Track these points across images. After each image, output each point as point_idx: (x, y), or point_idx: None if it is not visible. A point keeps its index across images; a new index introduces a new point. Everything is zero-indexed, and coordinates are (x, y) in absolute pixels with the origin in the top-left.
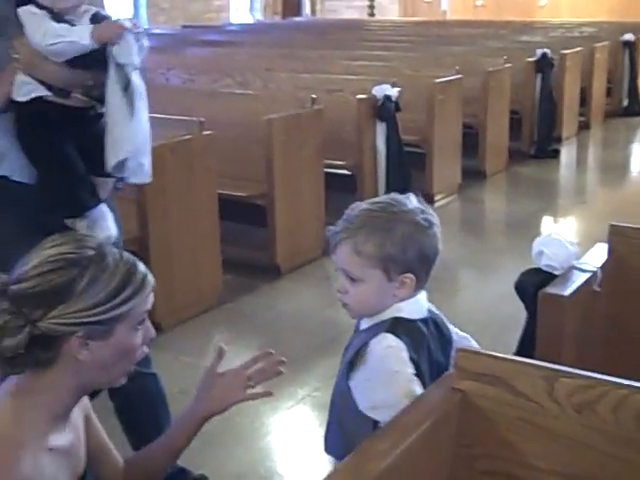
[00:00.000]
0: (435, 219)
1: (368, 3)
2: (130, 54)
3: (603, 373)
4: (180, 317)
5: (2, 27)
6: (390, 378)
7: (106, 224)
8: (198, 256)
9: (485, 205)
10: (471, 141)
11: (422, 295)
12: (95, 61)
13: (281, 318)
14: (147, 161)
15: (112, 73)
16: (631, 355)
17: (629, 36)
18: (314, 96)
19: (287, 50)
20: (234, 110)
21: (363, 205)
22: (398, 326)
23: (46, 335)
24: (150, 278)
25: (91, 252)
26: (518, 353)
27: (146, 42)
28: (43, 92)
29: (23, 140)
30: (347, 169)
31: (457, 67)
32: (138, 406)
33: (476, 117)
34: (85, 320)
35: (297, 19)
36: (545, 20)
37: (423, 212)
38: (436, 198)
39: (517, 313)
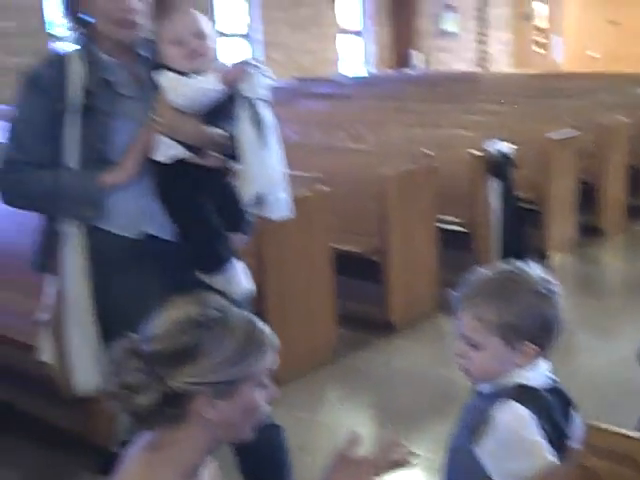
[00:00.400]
0: (557, 288)
1: (479, 55)
2: (256, 87)
3: None
4: (294, 371)
5: (140, 91)
6: (526, 448)
7: (241, 279)
8: (313, 310)
9: (602, 264)
10: (587, 197)
11: (545, 363)
12: (229, 118)
13: (395, 375)
14: (285, 195)
15: (241, 109)
16: None
17: None
18: (428, 152)
19: (400, 103)
20: (348, 165)
21: (485, 271)
22: (523, 394)
23: (176, 393)
24: (273, 338)
25: (216, 313)
26: None
27: (270, 79)
28: (182, 153)
29: (164, 199)
30: (461, 226)
31: (572, 122)
32: (262, 459)
33: (592, 173)
34: (212, 380)
35: (409, 71)
36: None
37: (545, 281)
38: (551, 256)
39: (635, 378)
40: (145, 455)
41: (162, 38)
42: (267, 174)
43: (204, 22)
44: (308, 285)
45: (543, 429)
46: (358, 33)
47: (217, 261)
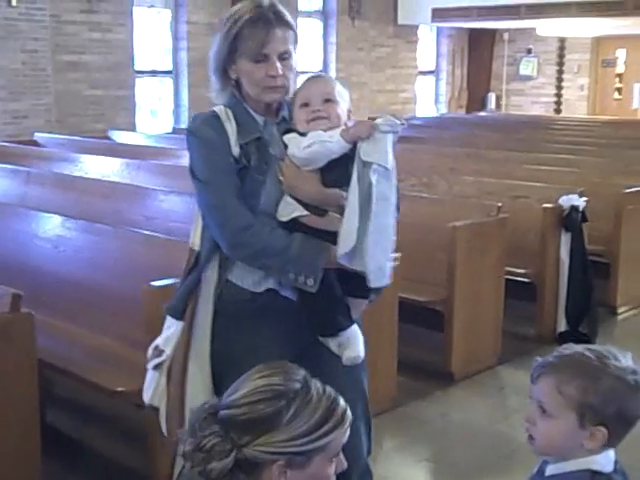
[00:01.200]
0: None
1: (555, 99)
2: (375, 153)
3: None
4: None
5: (283, 151)
6: None
7: (356, 345)
8: (375, 357)
9: None
10: None
11: (612, 451)
12: (348, 178)
13: (452, 428)
14: (387, 265)
15: (355, 168)
16: None
17: None
18: (500, 204)
19: (471, 149)
20: (419, 213)
21: (578, 347)
22: None
23: (250, 461)
24: (349, 413)
25: (298, 385)
26: None
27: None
28: (300, 212)
29: None
30: (528, 277)
31: None
32: None
33: None
34: (288, 450)
35: (481, 114)
36: None
37: (635, 373)
38: (620, 310)
39: None
40: None
41: (295, 101)
42: (362, 248)
43: (336, 87)
44: (372, 331)
45: None
46: (431, 73)
47: (334, 326)
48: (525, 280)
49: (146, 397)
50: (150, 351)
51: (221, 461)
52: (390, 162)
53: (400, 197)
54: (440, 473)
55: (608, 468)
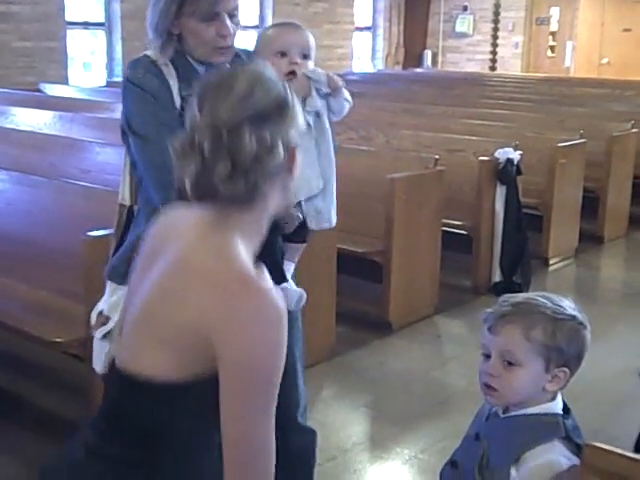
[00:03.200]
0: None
1: (490, 57)
2: (312, 102)
3: None
4: None
5: None
6: None
7: (290, 300)
8: (314, 308)
9: (601, 271)
10: (591, 205)
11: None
12: None
13: (390, 376)
14: (324, 207)
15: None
16: None
17: None
18: (437, 157)
19: (409, 105)
20: (357, 166)
21: (523, 295)
22: (567, 429)
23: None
24: None
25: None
26: (638, 444)
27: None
28: None
29: None
30: (464, 229)
31: (581, 131)
32: (295, 464)
33: (597, 181)
34: None
35: (418, 70)
36: None
37: (580, 311)
38: (551, 262)
39: (633, 391)
40: (215, 231)
41: (268, 46)
42: (303, 182)
43: (311, 40)
44: (310, 283)
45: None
46: (368, 29)
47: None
48: (461, 232)
49: (98, 367)
50: (94, 317)
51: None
52: (320, 108)
53: (337, 149)
54: (377, 419)
55: (560, 411)
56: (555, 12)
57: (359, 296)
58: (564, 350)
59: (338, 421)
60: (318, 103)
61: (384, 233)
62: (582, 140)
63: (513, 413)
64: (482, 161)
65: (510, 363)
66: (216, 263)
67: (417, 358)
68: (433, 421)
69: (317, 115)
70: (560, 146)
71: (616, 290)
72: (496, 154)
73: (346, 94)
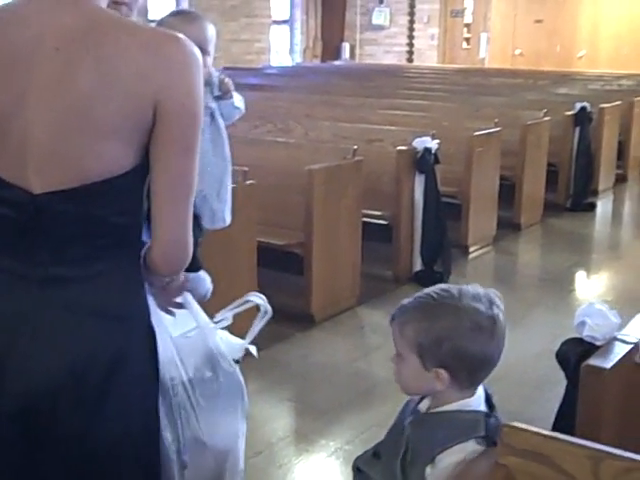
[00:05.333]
0: (492, 325)
1: (407, 49)
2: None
3: None
4: None
5: None
6: None
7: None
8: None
9: (519, 257)
10: (507, 193)
11: (480, 389)
12: None
13: (314, 368)
14: (219, 207)
15: None
16: None
17: None
18: (355, 147)
19: (327, 96)
20: (275, 158)
21: (430, 288)
22: (488, 427)
23: None
24: None
25: None
26: (556, 423)
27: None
28: None
29: None
30: (384, 219)
31: (496, 120)
32: None
33: (513, 169)
34: None
35: (336, 63)
36: (583, 71)
37: (478, 313)
38: (471, 249)
39: (551, 373)
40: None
41: None
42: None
43: (209, 33)
44: (231, 277)
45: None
46: (286, 22)
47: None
48: (381, 222)
49: None
50: None
51: None
52: (214, 108)
53: (252, 141)
54: (302, 411)
55: (483, 407)
56: (469, 4)
57: (281, 289)
58: (432, 349)
59: (263, 415)
60: (212, 103)
61: (304, 225)
62: (497, 129)
63: (433, 410)
64: (400, 151)
65: (399, 355)
66: (131, 32)
67: (340, 350)
68: (357, 412)
69: (212, 116)
70: (476, 135)
71: (533, 275)
72: (414, 143)
73: (237, 101)
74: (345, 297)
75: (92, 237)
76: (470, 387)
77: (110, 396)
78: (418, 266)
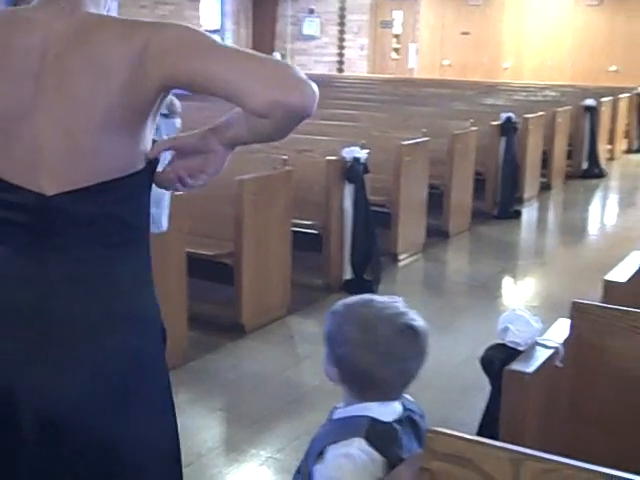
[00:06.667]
0: (389, 351)
1: (337, 59)
2: None
3: (567, 452)
4: None
5: None
6: None
7: None
8: (165, 313)
9: (447, 265)
10: (436, 201)
11: (396, 405)
12: None
13: (244, 378)
14: (156, 212)
15: None
16: (592, 433)
17: (590, 101)
18: (285, 157)
19: None
20: None
21: (357, 297)
22: (374, 432)
23: None
24: None
25: None
26: (481, 427)
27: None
28: None
29: None
30: (314, 229)
31: (424, 130)
32: None
33: (442, 178)
34: None
35: None
36: (509, 82)
37: (372, 330)
38: (400, 257)
39: (477, 378)
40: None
41: None
42: None
43: None
44: (161, 287)
45: (391, 464)
46: (216, 32)
47: None
48: (311, 231)
49: None
50: None
51: None
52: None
53: None
54: (232, 421)
55: (387, 418)
56: (398, 15)
57: (211, 300)
58: (330, 349)
59: (193, 426)
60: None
61: (234, 235)
62: (426, 138)
63: (335, 416)
64: (329, 160)
65: None
66: (110, 26)
67: (271, 359)
68: (288, 420)
69: (157, 129)
70: (405, 144)
71: (462, 282)
72: (343, 153)
73: (178, 123)
74: (275, 306)
75: (104, 236)
76: (370, 398)
77: (132, 396)
78: (348, 275)
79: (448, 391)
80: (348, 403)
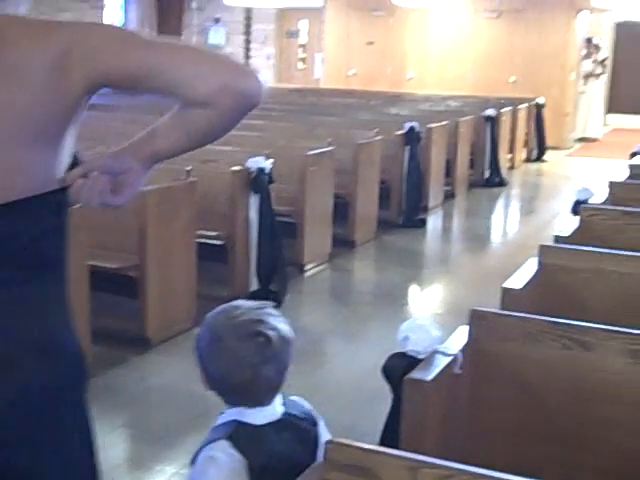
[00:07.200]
0: (228, 352)
1: None
2: None
3: (466, 458)
4: None
5: None
6: None
7: None
8: None
9: (354, 274)
10: (342, 211)
11: (277, 400)
12: None
13: (149, 393)
14: None
15: None
16: (490, 438)
17: (491, 111)
18: (189, 168)
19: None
20: None
21: (249, 307)
22: (241, 435)
23: None
24: None
25: None
26: (383, 436)
27: None
28: None
29: None
30: (220, 239)
31: (329, 139)
32: None
33: (347, 187)
34: None
35: None
36: (413, 92)
37: (221, 339)
38: (307, 267)
39: (383, 387)
40: None
41: None
42: None
43: None
44: None
45: (261, 469)
46: None
47: None
48: (217, 242)
49: None
50: None
51: None
52: None
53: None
54: (136, 437)
55: (258, 421)
56: (304, 25)
57: (115, 313)
58: (198, 359)
59: (96, 443)
60: None
61: (138, 247)
62: (331, 148)
63: (216, 423)
64: (234, 171)
65: None
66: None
67: (177, 372)
68: (193, 435)
69: None
70: (310, 154)
71: (368, 291)
72: (247, 164)
73: None
74: (181, 319)
75: (16, 259)
76: (239, 404)
77: (46, 430)
78: (254, 286)
79: (354, 400)
80: (226, 409)
